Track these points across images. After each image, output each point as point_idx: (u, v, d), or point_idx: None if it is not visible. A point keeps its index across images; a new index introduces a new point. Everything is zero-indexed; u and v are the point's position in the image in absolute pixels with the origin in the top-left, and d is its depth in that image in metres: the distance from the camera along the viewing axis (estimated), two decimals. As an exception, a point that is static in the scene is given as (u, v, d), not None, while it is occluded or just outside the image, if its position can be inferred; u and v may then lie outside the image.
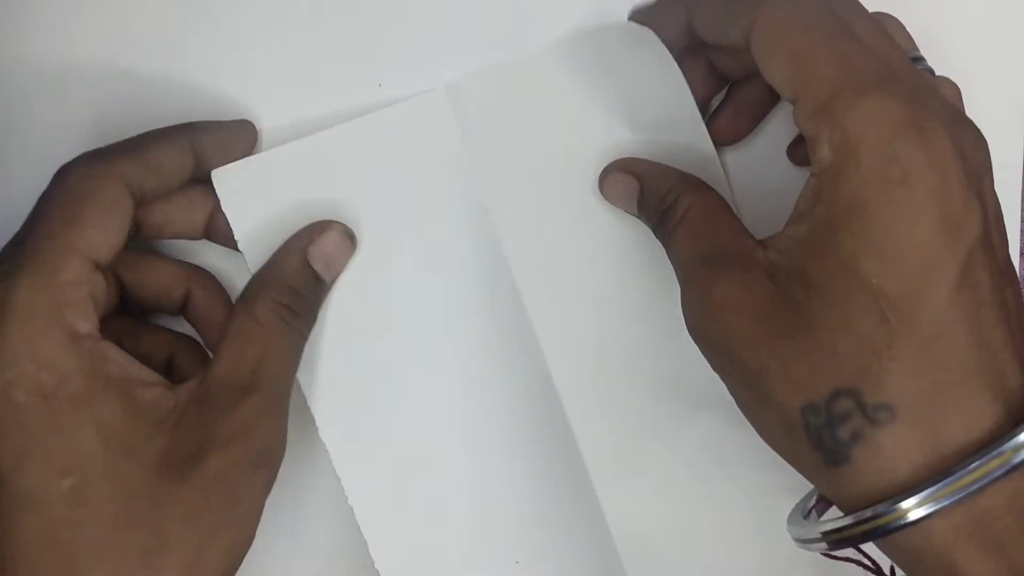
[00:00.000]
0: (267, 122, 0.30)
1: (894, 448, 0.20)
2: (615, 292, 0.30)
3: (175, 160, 0.27)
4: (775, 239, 0.23)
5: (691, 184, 0.26)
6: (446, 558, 0.31)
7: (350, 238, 0.29)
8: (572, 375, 0.30)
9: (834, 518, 0.21)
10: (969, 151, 0.21)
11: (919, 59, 0.27)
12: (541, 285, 0.30)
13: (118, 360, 0.24)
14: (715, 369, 0.24)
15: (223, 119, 0.29)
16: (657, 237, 0.27)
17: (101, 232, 0.25)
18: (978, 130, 0.23)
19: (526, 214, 0.30)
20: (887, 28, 0.24)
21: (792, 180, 0.29)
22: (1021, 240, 0.31)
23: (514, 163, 0.30)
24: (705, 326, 0.23)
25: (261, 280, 0.27)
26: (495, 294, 0.30)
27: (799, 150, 0.30)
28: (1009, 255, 0.22)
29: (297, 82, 0.30)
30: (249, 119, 0.30)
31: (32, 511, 0.22)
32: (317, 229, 0.28)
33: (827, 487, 0.21)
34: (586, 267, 0.30)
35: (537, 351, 0.30)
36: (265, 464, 0.26)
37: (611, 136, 0.30)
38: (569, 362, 0.30)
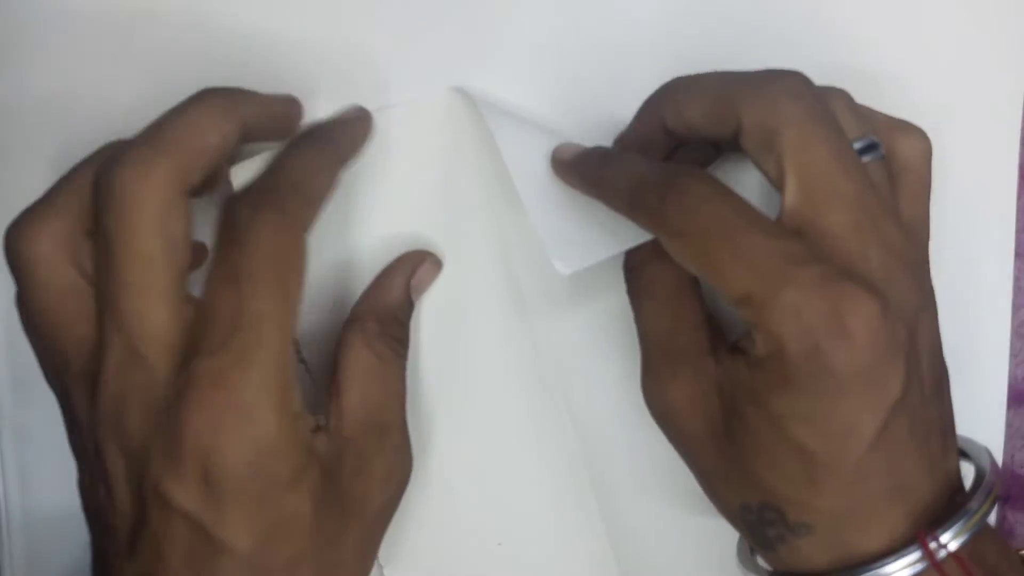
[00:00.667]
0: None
1: (811, 553, 0.23)
2: (618, 287, 0.30)
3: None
4: (727, 357, 0.24)
5: (662, 251, 0.25)
6: (429, 540, 0.31)
7: (438, 263, 0.30)
8: (566, 363, 0.31)
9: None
10: (900, 303, 0.22)
11: (871, 147, 0.25)
12: (545, 285, 0.30)
13: (309, 423, 0.24)
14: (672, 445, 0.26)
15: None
16: (624, 275, 0.28)
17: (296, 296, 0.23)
18: (918, 267, 0.23)
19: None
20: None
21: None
22: (1018, 241, 0.31)
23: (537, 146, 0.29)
24: (660, 420, 0.26)
25: (374, 314, 0.28)
26: (499, 293, 0.31)
27: None
28: (940, 371, 0.24)
29: (297, 82, 0.30)
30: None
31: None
32: (416, 260, 0.29)
33: (763, 557, 0.25)
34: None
35: (535, 346, 0.30)
36: (402, 495, 0.27)
37: None
38: (565, 353, 0.31)
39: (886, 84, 0.30)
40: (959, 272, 0.31)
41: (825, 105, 0.23)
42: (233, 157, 0.27)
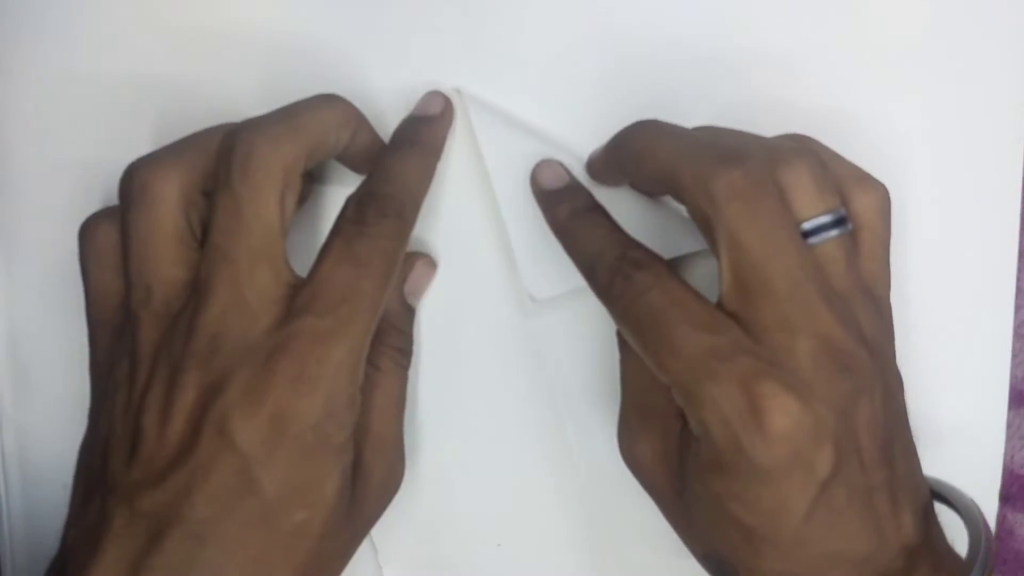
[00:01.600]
0: None
1: None
2: None
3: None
4: (687, 434, 0.25)
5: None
6: (429, 540, 0.31)
7: (433, 265, 0.30)
8: (566, 365, 0.31)
9: None
10: (828, 393, 0.23)
11: (831, 224, 0.24)
12: (546, 283, 0.30)
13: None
14: None
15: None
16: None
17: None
18: (850, 352, 0.23)
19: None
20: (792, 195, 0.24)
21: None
22: (1021, 241, 0.31)
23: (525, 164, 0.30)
24: (630, 468, 0.27)
25: None
26: (499, 294, 0.31)
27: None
28: (887, 438, 0.24)
29: (297, 82, 0.30)
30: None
31: (264, 528, 0.24)
32: (408, 264, 0.30)
33: None
34: None
35: (535, 346, 0.31)
36: (386, 507, 0.28)
37: None
38: (564, 348, 0.31)
39: (889, 85, 0.30)
40: (961, 272, 0.31)
41: (766, 199, 0.23)
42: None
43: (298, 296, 0.25)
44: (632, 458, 0.27)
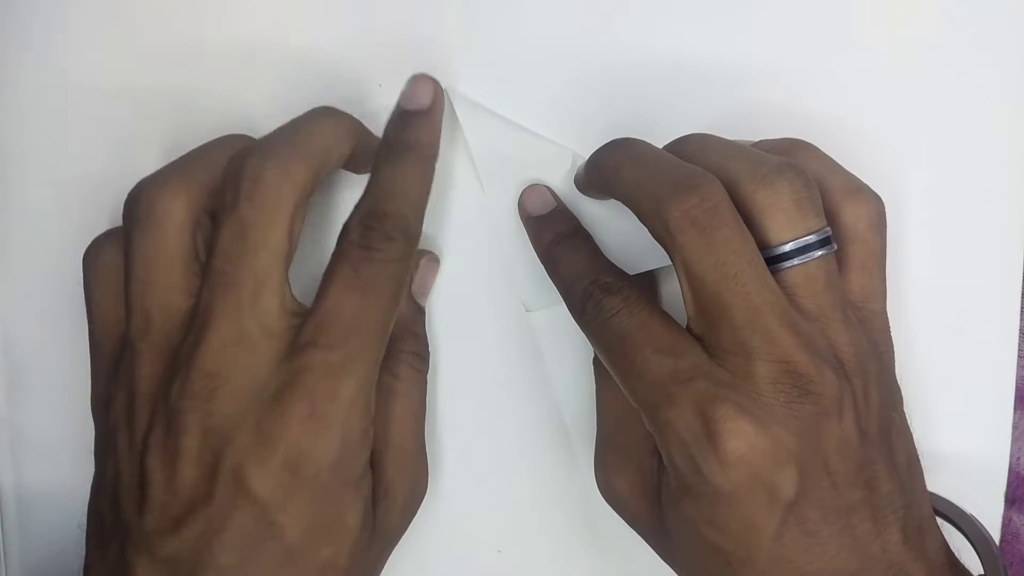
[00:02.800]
0: (267, 122, 0.30)
1: None
2: None
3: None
4: (660, 464, 0.25)
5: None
6: (428, 547, 0.31)
7: (436, 261, 0.30)
8: (566, 357, 0.30)
9: None
10: (788, 416, 0.22)
11: (810, 246, 0.24)
12: (546, 285, 0.30)
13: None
14: None
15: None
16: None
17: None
18: (811, 376, 0.23)
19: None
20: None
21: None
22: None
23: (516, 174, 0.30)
24: (608, 502, 0.27)
25: None
26: (498, 296, 0.31)
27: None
28: (860, 458, 0.23)
29: (297, 82, 0.30)
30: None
31: (293, 568, 0.24)
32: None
33: None
34: None
35: (536, 349, 0.30)
36: (412, 519, 0.28)
37: None
38: (563, 344, 0.30)
39: (890, 90, 0.30)
40: (966, 272, 0.31)
41: (722, 226, 0.23)
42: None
43: (304, 328, 0.24)
44: (610, 494, 0.27)
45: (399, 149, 0.26)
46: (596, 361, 0.28)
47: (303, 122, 0.26)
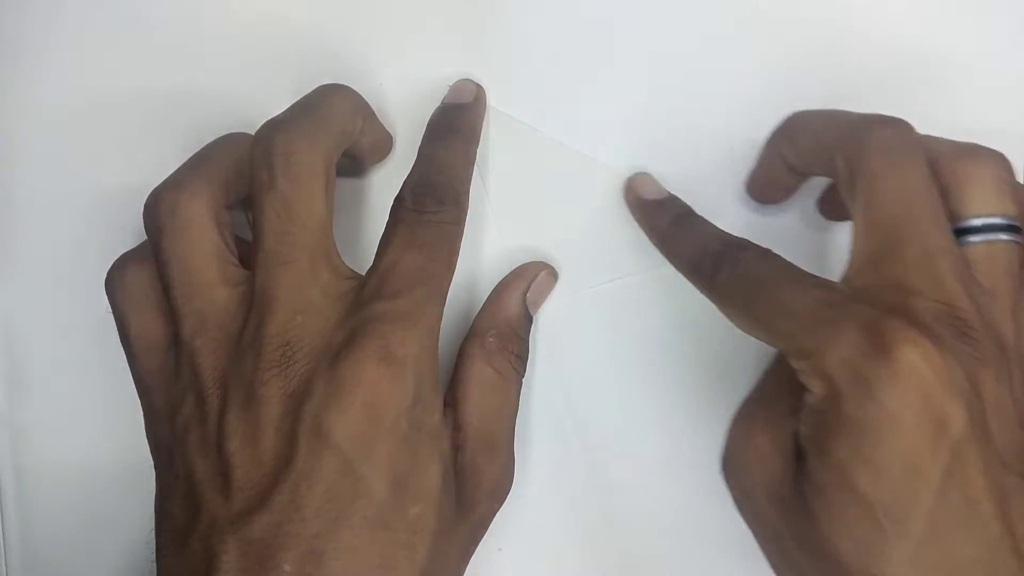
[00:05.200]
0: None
1: None
2: (620, 287, 0.30)
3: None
4: (804, 420, 0.23)
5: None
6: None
7: (555, 276, 0.30)
8: (567, 355, 0.30)
9: None
10: (952, 346, 0.21)
11: (1000, 227, 0.23)
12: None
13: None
14: (737, 504, 0.25)
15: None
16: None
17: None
18: (972, 323, 0.22)
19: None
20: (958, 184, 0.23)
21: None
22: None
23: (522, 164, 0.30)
24: (744, 466, 0.24)
25: (495, 329, 0.28)
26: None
27: (830, 206, 0.30)
28: (1017, 441, 0.22)
29: (297, 81, 0.30)
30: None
31: (383, 528, 0.23)
32: (532, 272, 0.30)
33: None
34: (591, 254, 0.30)
35: (536, 348, 0.30)
36: (497, 512, 0.28)
37: None
38: (565, 342, 0.30)
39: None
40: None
41: (915, 164, 0.23)
42: None
43: (367, 284, 0.24)
44: (751, 449, 0.24)
45: (445, 131, 0.28)
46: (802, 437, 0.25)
47: (317, 98, 0.26)
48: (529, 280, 0.29)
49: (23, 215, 0.31)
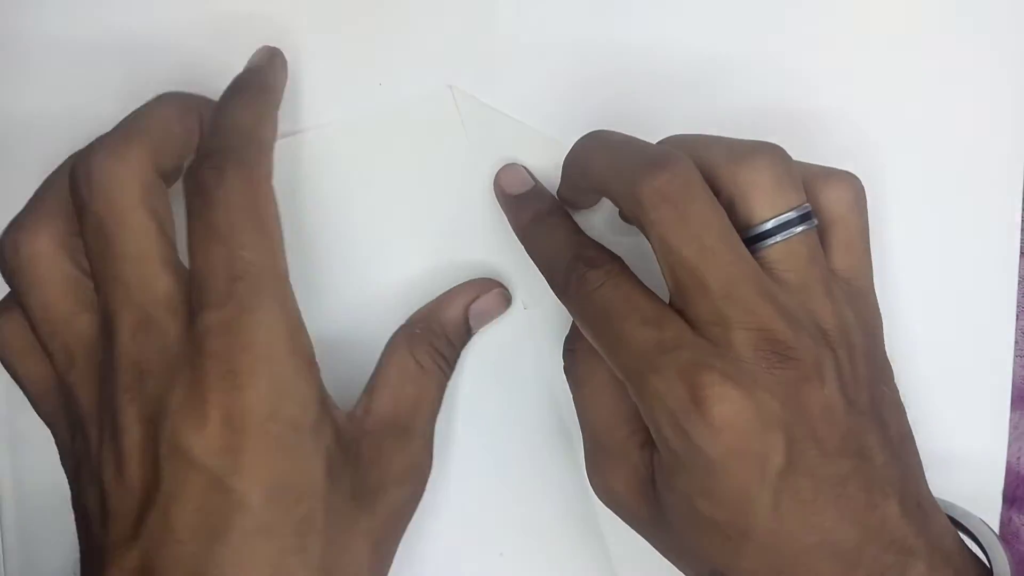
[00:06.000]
0: None
1: None
2: None
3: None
4: (651, 451, 0.25)
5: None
6: (430, 549, 0.30)
7: (507, 300, 0.30)
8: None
9: None
10: (770, 381, 0.23)
11: (792, 222, 0.24)
12: (546, 286, 0.30)
13: (324, 386, 0.25)
14: None
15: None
16: (564, 349, 0.28)
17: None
18: (789, 343, 0.23)
19: None
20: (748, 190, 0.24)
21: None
22: (1022, 241, 0.31)
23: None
24: (610, 506, 0.27)
25: (424, 324, 0.29)
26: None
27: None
28: (846, 427, 0.23)
29: (297, 81, 0.30)
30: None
31: (265, 537, 0.23)
32: (482, 287, 0.30)
33: None
34: None
35: (538, 351, 0.31)
36: (417, 503, 0.28)
37: None
38: (563, 342, 0.30)
39: (884, 87, 0.30)
40: (963, 271, 0.31)
41: (694, 201, 0.23)
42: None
43: (192, 294, 0.23)
44: (607, 495, 0.26)
45: (229, 94, 0.27)
46: (568, 370, 0.28)
47: (137, 110, 0.26)
48: (477, 292, 0.30)
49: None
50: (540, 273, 0.28)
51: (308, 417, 0.24)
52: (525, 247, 0.28)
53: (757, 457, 0.22)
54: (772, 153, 0.24)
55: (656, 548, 0.26)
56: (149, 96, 0.26)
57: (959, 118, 0.31)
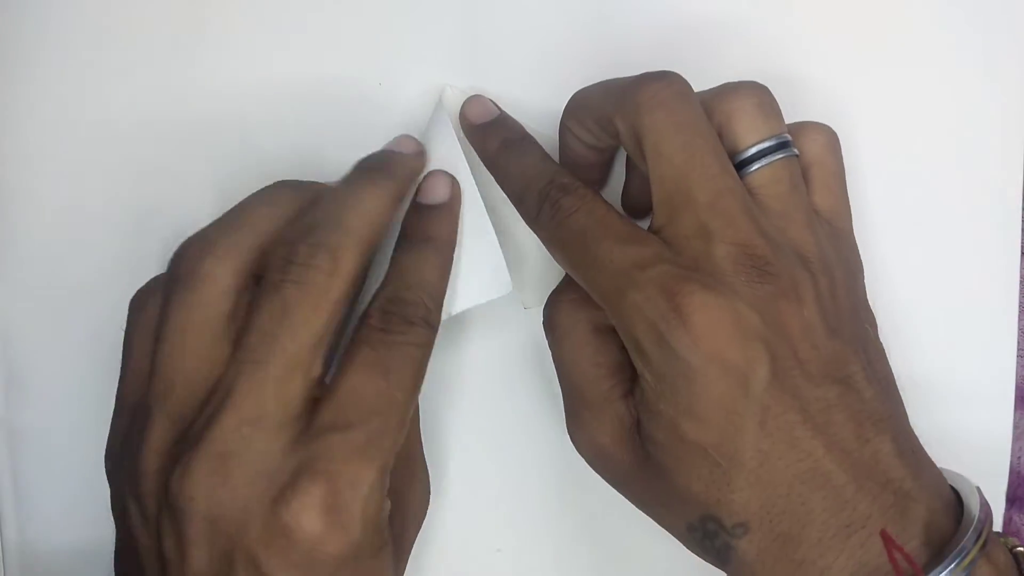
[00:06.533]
0: (266, 120, 0.30)
1: (759, 554, 0.23)
2: None
3: None
4: (634, 394, 0.25)
5: (579, 293, 0.26)
6: (428, 546, 0.31)
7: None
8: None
9: None
10: (752, 296, 0.23)
11: (775, 147, 0.25)
12: (546, 286, 0.30)
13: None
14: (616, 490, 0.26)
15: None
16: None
17: None
18: (768, 259, 0.23)
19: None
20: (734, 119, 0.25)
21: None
22: (1022, 240, 0.31)
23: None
24: (591, 461, 0.26)
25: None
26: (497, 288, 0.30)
27: (627, 199, 0.30)
28: (828, 354, 0.23)
29: (297, 80, 0.30)
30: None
31: None
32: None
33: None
34: None
35: (535, 347, 0.30)
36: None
37: None
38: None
39: (892, 82, 0.30)
40: (965, 271, 0.31)
41: (687, 110, 0.24)
42: None
43: (323, 409, 0.23)
44: (592, 449, 0.26)
45: (418, 239, 0.27)
46: (548, 326, 0.27)
47: (351, 195, 0.25)
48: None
49: (23, 218, 0.31)
50: (536, 276, 0.28)
51: (380, 544, 0.24)
52: (494, 175, 0.28)
53: (739, 369, 0.22)
54: (756, 86, 0.25)
55: (638, 502, 0.26)
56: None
57: (960, 118, 0.30)
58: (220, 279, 0.24)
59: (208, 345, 0.23)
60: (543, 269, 0.29)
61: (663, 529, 0.26)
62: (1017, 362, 0.31)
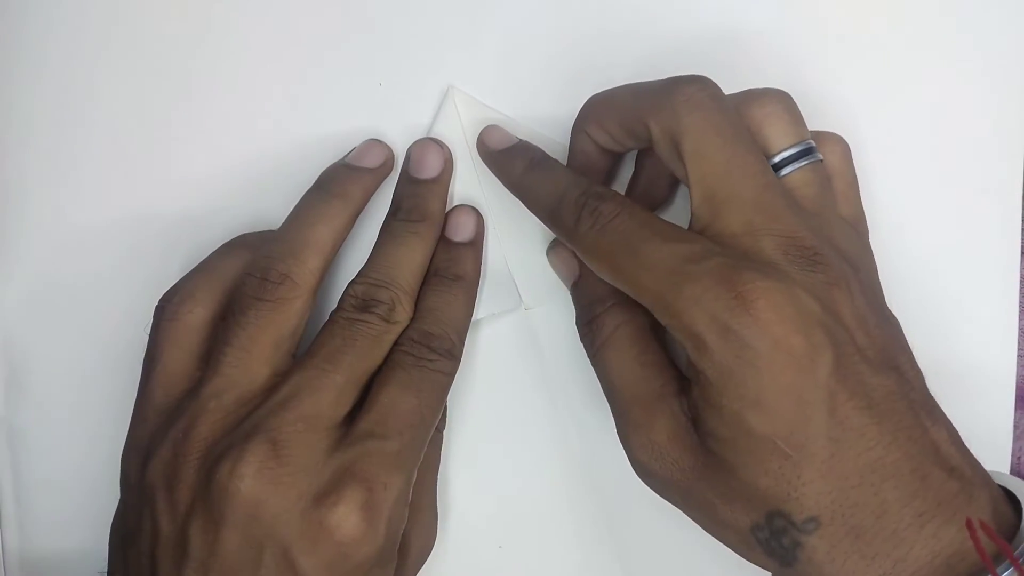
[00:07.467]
0: (266, 119, 0.30)
1: (830, 551, 0.22)
2: None
3: None
4: (689, 388, 0.24)
5: (619, 299, 0.27)
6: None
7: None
8: (566, 354, 0.30)
9: None
10: (805, 281, 0.23)
11: (804, 152, 0.26)
12: (547, 285, 0.30)
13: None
14: (666, 498, 0.26)
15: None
16: (579, 330, 0.28)
17: None
18: (817, 249, 0.23)
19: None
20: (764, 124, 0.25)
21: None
22: (1022, 240, 0.30)
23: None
24: (651, 466, 0.25)
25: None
26: (498, 294, 0.30)
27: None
28: (883, 341, 0.23)
29: (297, 80, 0.30)
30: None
31: None
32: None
33: None
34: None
35: (537, 347, 0.31)
36: None
37: None
38: (563, 341, 0.30)
39: (887, 84, 0.30)
40: (965, 272, 0.31)
41: (725, 112, 0.24)
42: None
43: (361, 420, 0.25)
44: (650, 450, 0.25)
45: (448, 277, 0.29)
46: (589, 343, 0.27)
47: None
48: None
49: (23, 218, 0.31)
50: (537, 277, 0.28)
51: (393, 554, 0.26)
52: (521, 197, 0.28)
53: (807, 355, 0.22)
54: (781, 92, 0.26)
55: (698, 507, 0.25)
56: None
57: (960, 118, 0.30)
58: (308, 286, 0.27)
59: (273, 354, 0.26)
60: (543, 270, 0.30)
61: (671, 525, 0.26)
62: (1017, 362, 0.31)
